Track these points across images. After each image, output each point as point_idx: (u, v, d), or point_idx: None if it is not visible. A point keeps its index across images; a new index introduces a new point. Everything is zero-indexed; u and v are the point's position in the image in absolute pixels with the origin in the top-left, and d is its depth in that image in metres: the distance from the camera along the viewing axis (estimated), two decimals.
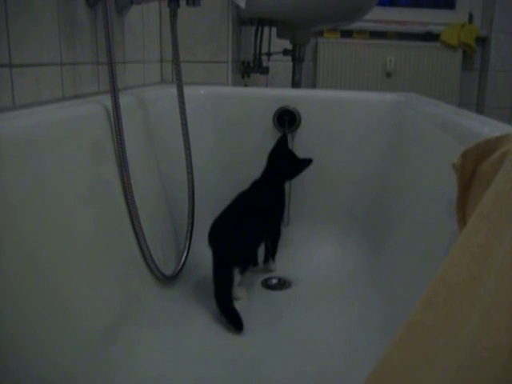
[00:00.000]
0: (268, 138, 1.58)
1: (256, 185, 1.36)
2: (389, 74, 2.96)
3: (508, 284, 0.53)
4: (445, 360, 0.56)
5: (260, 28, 2.07)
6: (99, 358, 0.91)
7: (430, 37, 2.96)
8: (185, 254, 1.35)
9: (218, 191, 1.47)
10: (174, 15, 1.32)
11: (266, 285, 1.35)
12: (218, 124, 1.62)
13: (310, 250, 1.38)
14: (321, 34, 2.96)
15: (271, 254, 1.42)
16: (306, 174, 1.58)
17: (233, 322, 1.11)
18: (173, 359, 1.02)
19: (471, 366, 0.52)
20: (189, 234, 1.38)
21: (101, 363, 0.91)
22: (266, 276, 1.39)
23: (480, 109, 3.01)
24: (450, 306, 0.59)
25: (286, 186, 1.54)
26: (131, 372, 0.95)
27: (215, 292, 1.16)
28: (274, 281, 1.37)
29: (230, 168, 1.62)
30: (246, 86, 2.12)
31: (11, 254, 0.74)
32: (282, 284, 1.36)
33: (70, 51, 1.14)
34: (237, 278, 1.20)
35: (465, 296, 0.58)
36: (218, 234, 1.23)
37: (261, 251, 1.41)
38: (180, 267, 1.31)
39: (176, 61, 1.35)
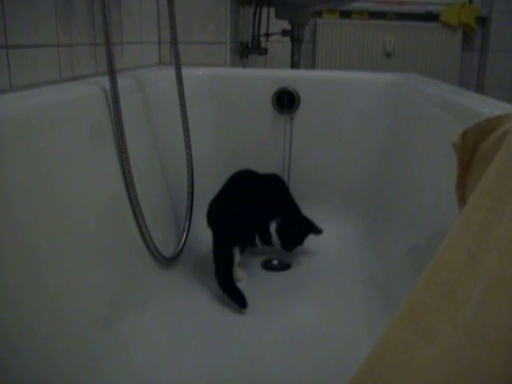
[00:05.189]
0: (267, 118, 1.58)
1: (250, 175, 1.36)
2: (388, 55, 2.94)
3: (508, 263, 0.53)
4: (445, 339, 0.57)
5: (258, 8, 2.05)
6: (99, 341, 0.91)
7: (430, 17, 2.93)
8: (184, 236, 1.35)
9: (216, 172, 1.46)
10: None
11: (266, 266, 1.35)
12: (217, 105, 1.61)
13: None
14: (320, 14, 2.93)
15: (268, 237, 1.42)
16: (305, 155, 1.58)
17: (236, 300, 1.12)
18: (174, 341, 1.02)
19: (471, 344, 0.52)
20: (188, 216, 1.38)
21: (101, 346, 0.91)
22: (266, 258, 1.39)
23: (480, 89, 2.99)
24: (450, 284, 0.59)
25: (285, 169, 1.54)
26: (132, 354, 0.96)
27: (216, 271, 1.16)
28: (274, 262, 1.37)
29: (228, 149, 1.61)
30: (244, 67, 2.10)
31: (7, 236, 0.74)
32: (282, 265, 1.36)
33: (67, 32, 1.13)
34: (237, 257, 1.20)
35: (465, 275, 0.58)
36: (217, 213, 1.23)
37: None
38: (180, 249, 1.32)
39: (174, 42, 1.34)
